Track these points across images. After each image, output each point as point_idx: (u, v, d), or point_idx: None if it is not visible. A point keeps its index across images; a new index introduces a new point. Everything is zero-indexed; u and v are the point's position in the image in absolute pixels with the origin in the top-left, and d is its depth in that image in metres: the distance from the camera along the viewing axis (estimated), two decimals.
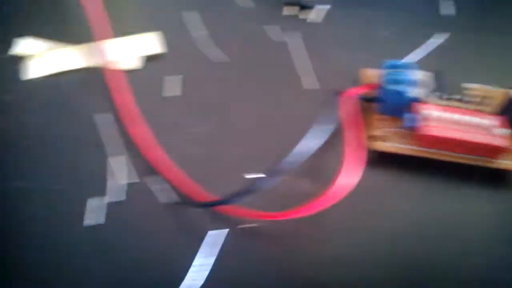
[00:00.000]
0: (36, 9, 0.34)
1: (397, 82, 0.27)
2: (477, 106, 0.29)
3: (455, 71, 0.30)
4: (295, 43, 0.34)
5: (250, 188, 0.23)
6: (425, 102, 0.27)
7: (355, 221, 0.26)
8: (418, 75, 0.29)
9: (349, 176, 0.24)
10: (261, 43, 0.34)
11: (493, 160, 0.27)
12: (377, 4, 0.37)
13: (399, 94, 0.27)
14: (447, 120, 0.27)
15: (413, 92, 0.27)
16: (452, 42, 0.35)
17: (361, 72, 0.31)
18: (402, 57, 0.33)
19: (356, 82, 0.31)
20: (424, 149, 0.27)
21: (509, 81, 0.30)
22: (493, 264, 0.24)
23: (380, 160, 0.27)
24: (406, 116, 0.27)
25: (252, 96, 0.31)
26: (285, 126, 0.30)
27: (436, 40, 0.35)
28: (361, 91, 0.29)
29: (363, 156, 0.26)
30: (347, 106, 0.28)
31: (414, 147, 0.27)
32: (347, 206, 0.24)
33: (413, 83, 0.27)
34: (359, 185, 0.25)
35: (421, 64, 0.30)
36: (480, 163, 0.27)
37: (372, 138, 0.28)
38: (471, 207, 0.26)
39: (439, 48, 0.34)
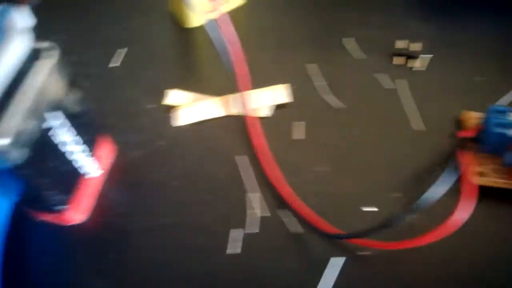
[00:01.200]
0: (180, 66, 0.40)
1: (502, 125, 0.30)
2: None
3: None
4: (403, 89, 0.37)
5: (384, 224, 0.27)
6: None
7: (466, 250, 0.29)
8: None
9: (464, 211, 0.27)
10: (373, 90, 0.37)
11: None
12: (475, 53, 0.40)
13: (502, 136, 0.30)
14: None
15: None
16: None
17: (463, 115, 0.35)
18: (496, 100, 0.36)
19: (458, 123, 0.35)
20: None
21: None
22: None
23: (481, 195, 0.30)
24: (507, 155, 0.30)
25: (366, 138, 0.35)
26: (397, 164, 0.33)
27: None
28: (469, 134, 0.32)
29: (475, 192, 0.29)
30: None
31: None
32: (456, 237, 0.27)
33: None
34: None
35: None
36: None
37: (476, 174, 0.31)
38: None
39: None
